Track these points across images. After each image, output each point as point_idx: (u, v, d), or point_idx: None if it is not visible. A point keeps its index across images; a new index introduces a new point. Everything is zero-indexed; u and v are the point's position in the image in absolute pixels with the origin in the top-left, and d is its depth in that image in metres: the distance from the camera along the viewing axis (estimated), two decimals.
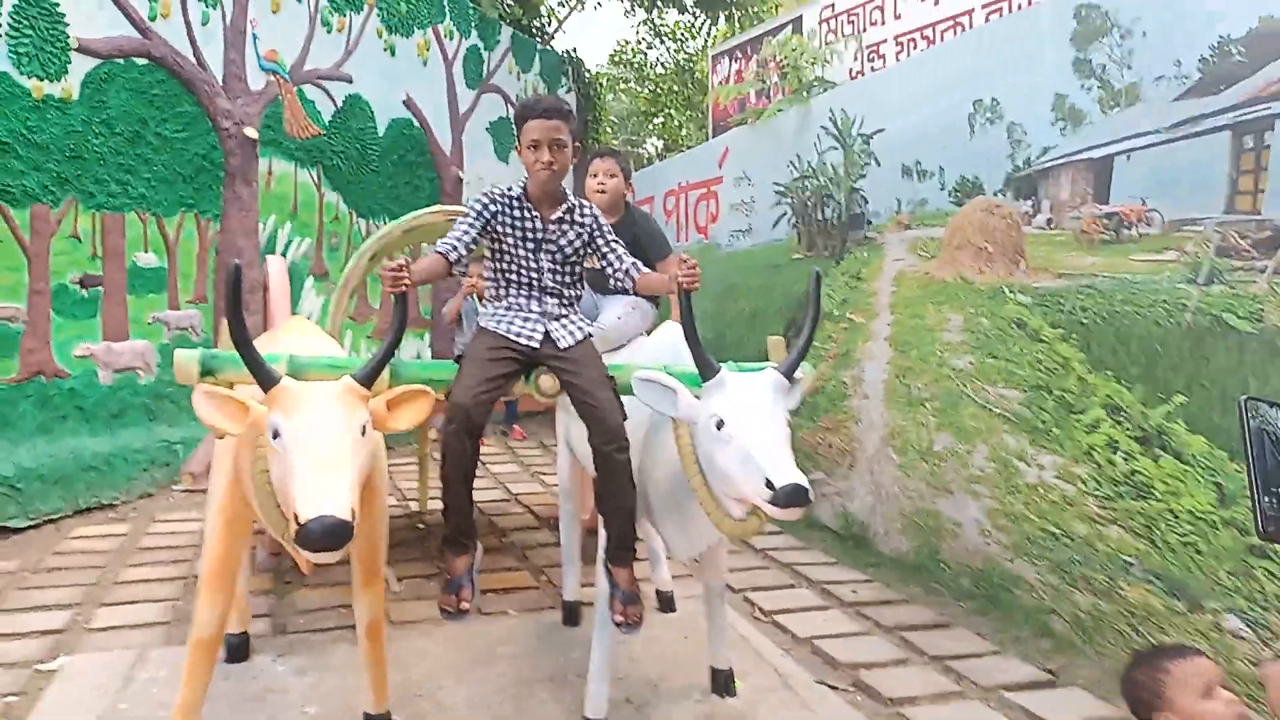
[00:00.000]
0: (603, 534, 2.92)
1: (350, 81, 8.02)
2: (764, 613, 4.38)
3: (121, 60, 6.10)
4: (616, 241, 3.14)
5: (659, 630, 4.09)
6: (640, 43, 17.34)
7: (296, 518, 2.01)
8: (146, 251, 6.44)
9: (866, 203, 5.73)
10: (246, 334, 2.28)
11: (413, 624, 4.13)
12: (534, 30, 11.60)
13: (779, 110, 6.47)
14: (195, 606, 2.70)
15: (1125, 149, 3.84)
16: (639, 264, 3.13)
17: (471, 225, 2.97)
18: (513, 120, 3.13)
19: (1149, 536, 3.69)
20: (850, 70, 7.01)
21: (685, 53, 16.77)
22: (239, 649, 3.68)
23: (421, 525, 5.84)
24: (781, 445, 2.41)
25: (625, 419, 2.79)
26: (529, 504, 6.38)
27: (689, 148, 15.43)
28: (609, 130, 12.61)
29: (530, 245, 3.01)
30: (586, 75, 11.40)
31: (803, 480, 2.30)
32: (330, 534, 1.98)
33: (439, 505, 6.26)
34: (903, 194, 5.34)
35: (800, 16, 7.80)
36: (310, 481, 2.07)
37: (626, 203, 4.32)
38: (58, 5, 5.68)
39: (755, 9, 10.43)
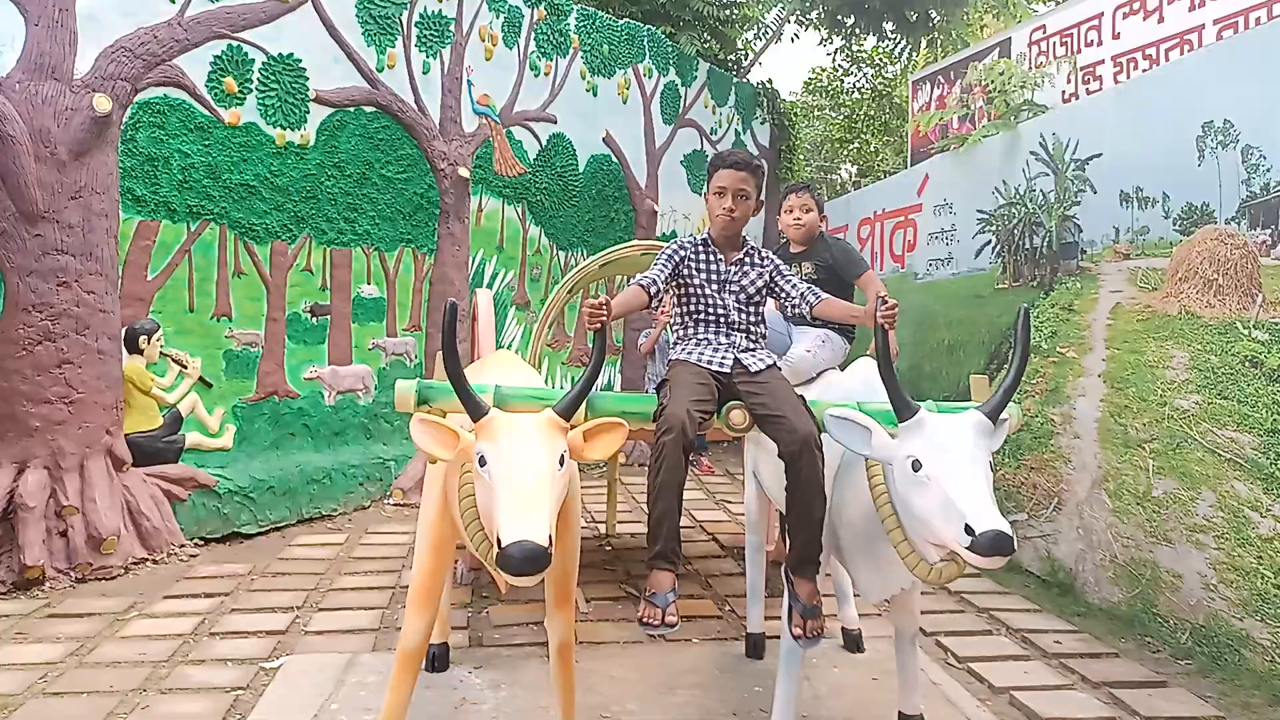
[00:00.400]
0: (788, 546, 2.88)
1: (554, 121, 8.39)
2: (958, 659, 4.17)
3: (352, 108, 6.67)
4: (793, 276, 3.29)
5: (845, 671, 3.99)
6: (836, 69, 17.17)
7: (499, 542, 2.11)
8: (369, 283, 6.98)
9: (1080, 231, 5.40)
10: (459, 368, 2.43)
11: (600, 645, 4.22)
12: (730, 64, 11.73)
13: (984, 136, 6.22)
14: (403, 619, 2.87)
15: None
16: (815, 289, 3.24)
17: (665, 264, 3.20)
18: (707, 163, 3.30)
19: None
20: (1063, 93, 6.66)
21: (883, 78, 16.47)
22: (440, 659, 3.89)
23: (610, 548, 5.96)
24: (983, 489, 2.31)
25: (821, 431, 2.77)
26: (714, 532, 6.39)
27: (885, 174, 15.10)
28: (802, 158, 12.52)
29: (715, 285, 3.21)
30: (781, 105, 11.39)
31: (1006, 527, 2.20)
32: (529, 559, 2.07)
33: (627, 529, 6.41)
34: (1121, 222, 5.00)
35: (1009, 39, 7.49)
36: (512, 508, 2.17)
37: (821, 232, 4.54)
38: (300, 61, 6.29)
39: (958, 33, 10.10)
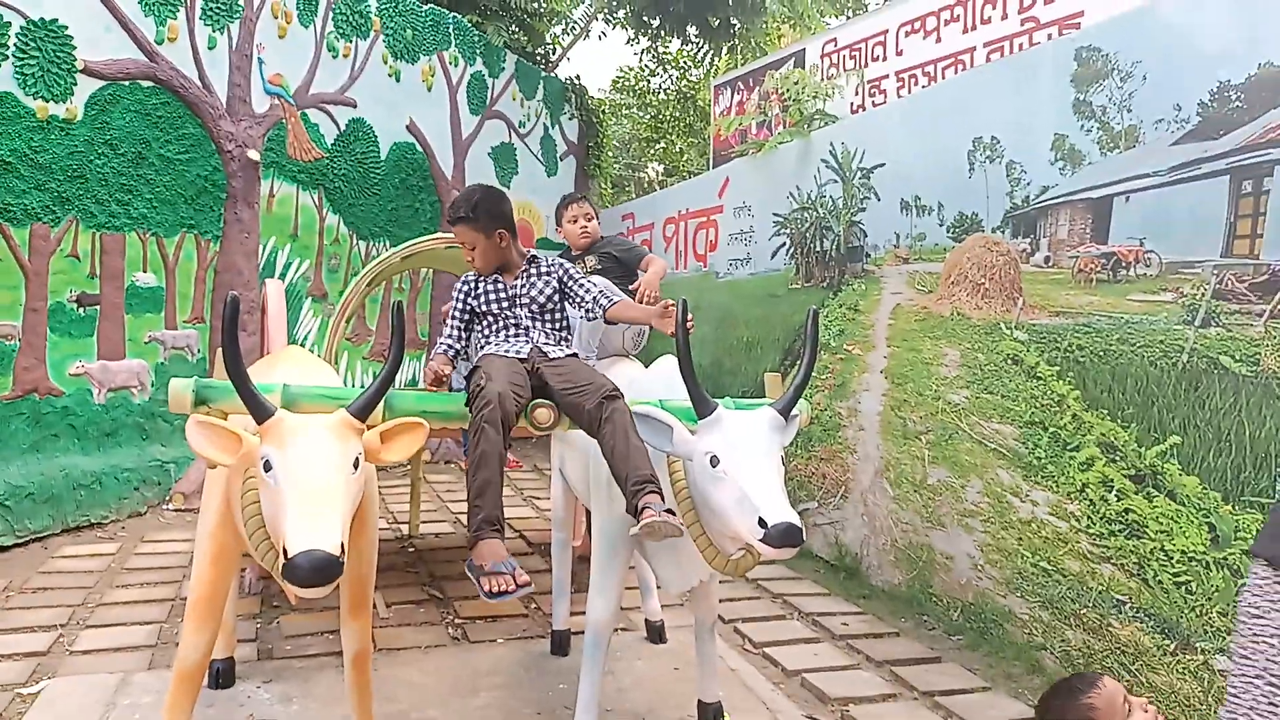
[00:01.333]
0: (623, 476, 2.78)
1: (354, 106, 8.06)
2: (754, 645, 4.35)
3: (126, 82, 6.13)
4: (585, 279, 3.33)
5: (648, 662, 4.07)
6: (643, 69, 17.48)
7: (285, 552, 1.99)
8: (145, 271, 6.45)
9: (865, 236, 5.75)
10: (242, 366, 2.28)
11: (399, 651, 4.10)
12: (538, 58, 11.68)
13: (780, 142, 6.50)
14: (181, 634, 2.67)
15: (1124, 190, 3.86)
16: (607, 293, 3.30)
17: (459, 318, 3.26)
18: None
19: (1141, 575, 3.67)
20: (851, 105, 7.06)
21: (687, 80, 16.90)
22: (224, 675, 3.65)
23: (412, 549, 5.81)
24: (775, 484, 2.40)
25: (621, 393, 2.80)
26: (521, 529, 6.35)
27: (690, 173, 15.52)
28: (610, 155, 12.66)
29: (505, 303, 3.23)
30: (589, 102, 11.46)
31: (795, 519, 2.29)
32: (318, 569, 1.96)
33: (431, 529, 6.26)
34: (901, 228, 5.36)
35: (803, 50, 7.86)
36: (300, 516, 2.05)
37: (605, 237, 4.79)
38: (65, 28, 5.72)
39: (758, 41, 10.50)
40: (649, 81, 17.72)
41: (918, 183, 5.21)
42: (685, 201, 8.62)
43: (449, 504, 7.13)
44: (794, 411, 2.70)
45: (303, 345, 7.78)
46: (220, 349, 2.33)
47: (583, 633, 3.84)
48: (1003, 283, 4.54)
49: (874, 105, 7.04)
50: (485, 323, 3.25)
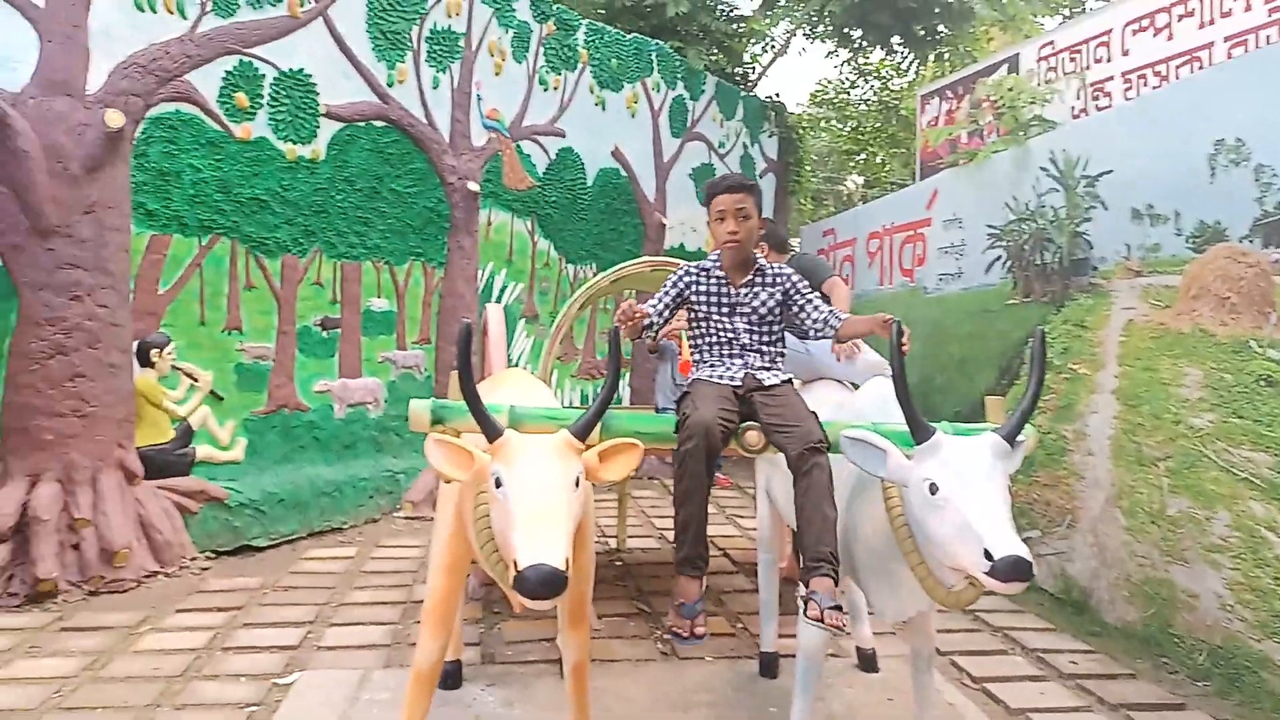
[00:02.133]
0: (801, 553, 2.81)
1: (563, 135, 8.42)
2: (973, 679, 4.15)
3: (362, 123, 6.70)
4: (814, 295, 3.23)
5: (860, 691, 3.97)
6: (843, 81, 17.22)
7: (515, 564, 2.11)
8: (379, 297, 7.00)
9: (1091, 247, 5.39)
10: (474, 388, 2.44)
11: (612, 663, 4.21)
12: (737, 78, 11.76)
13: (994, 152, 6.22)
14: (418, 638, 2.87)
15: None
16: (838, 312, 3.18)
17: (667, 293, 3.21)
18: (703, 199, 3.26)
19: None
20: (1072, 109, 6.66)
21: (889, 90, 16.50)
22: (452, 676, 3.88)
23: (620, 563, 5.95)
24: (1002, 513, 2.30)
25: (828, 445, 2.76)
26: (725, 547, 6.37)
27: (892, 185, 15.12)
28: (809, 170, 12.54)
29: (725, 310, 3.18)
30: (788, 118, 11.42)
31: (1025, 552, 2.18)
32: (546, 582, 2.06)
33: (638, 544, 6.39)
34: (1132, 239, 4.99)
35: (1017, 55, 7.50)
36: (529, 531, 2.17)
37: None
38: (310, 76, 6.32)
39: (966, 47, 10.11)
40: (849, 93, 17.44)
41: (1150, 190, 4.84)
42: (890, 215, 8.41)
43: (653, 519, 7.26)
44: (1020, 437, 2.58)
45: (516, 364, 8.19)
46: (454, 371, 2.50)
47: (791, 656, 3.81)
48: (1252, 296, 4.14)
49: (1098, 109, 6.60)
50: (700, 328, 3.21)
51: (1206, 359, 4.39)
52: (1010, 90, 6.35)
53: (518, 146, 7.99)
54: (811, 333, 3.19)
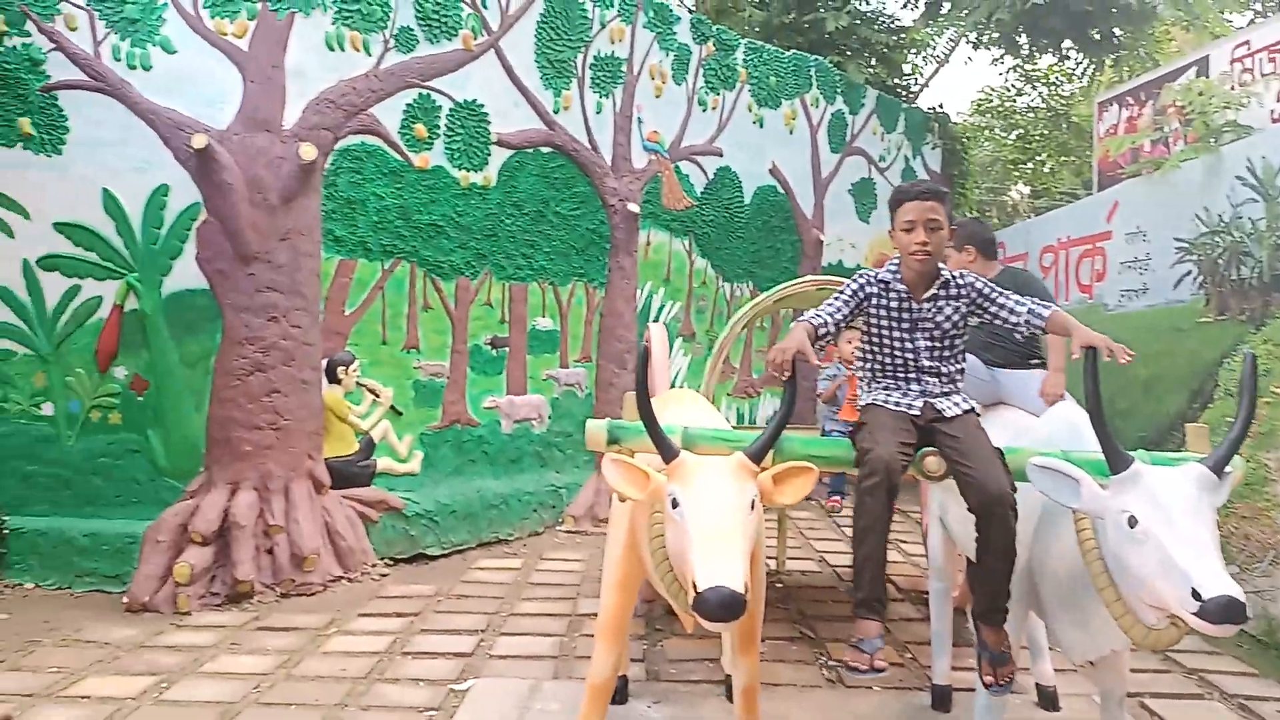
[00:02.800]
0: (974, 595, 2.75)
1: (720, 155, 8.47)
2: None
3: (530, 150, 6.95)
4: (1003, 293, 3.04)
5: None
6: (1008, 89, 16.55)
7: (695, 586, 2.13)
8: (544, 316, 7.22)
9: None
10: (651, 410, 2.48)
11: (776, 687, 4.16)
12: (898, 90, 11.52)
13: (1184, 160, 5.83)
14: (593, 652, 2.93)
15: None
16: (1041, 303, 2.98)
17: (845, 303, 3.04)
18: (889, 203, 3.13)
19: None
20: (1272, 113, 6.16)
21: (1059, 96, 15.74)
22: (619, 691, 3.91)
23: (780, 584, 5.89)
24: (1211, 550, 2.15)
25: (1014, 489, 2.64)
26: (890, 574, 6.19)
27: (1062, 195, 14.39)
28: (974, 181, 12.12)
29: (905, 327, 3.03)
30: (952, 129, 11.09)
31: (1239, 592, 2.03)
32: (725, 605, 2.07)
33: (797, 566, 6.30)
34: None
35: (1206, 57, 7.01)
36: (707, 553, 2.18)
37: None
38: (483, 106, 6.61)
39: (1147, 50, 9.52)
40: (1015, 101, 16.75)
41: None
42: (1065, 228, 8.02)
43: (812, 541, 7.15)
44: (1227, 469, 2.41)
45: (674, 384, 8.26)
46: (629, 393, 2.55)
47: (966, 690, 3.68)
48: None
49: None
50: (876, 345, 3.06)
51: None
52: (1200, 95, 5.94)
53: (676, 167, 8.08)
54: (1018, 335, 3.04)
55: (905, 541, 7.11)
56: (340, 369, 6.02)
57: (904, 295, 3.02)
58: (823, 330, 2.92)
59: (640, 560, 2.88)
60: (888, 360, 3.07)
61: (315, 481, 5.77)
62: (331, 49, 5.83)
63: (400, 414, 6.36)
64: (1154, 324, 6.41)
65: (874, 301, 3.04)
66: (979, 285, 3.05)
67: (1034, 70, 15.40)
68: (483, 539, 6.71)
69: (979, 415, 3.04)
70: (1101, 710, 3.07)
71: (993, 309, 3.00)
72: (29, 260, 5.52)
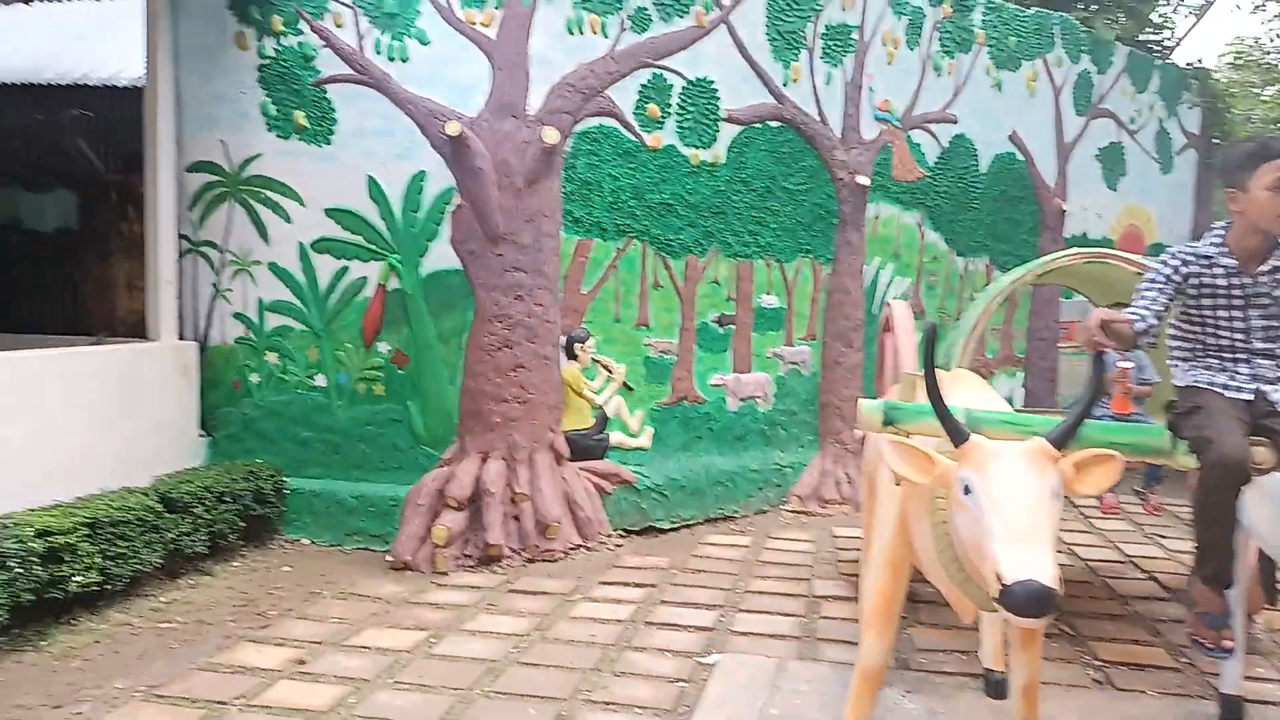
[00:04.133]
0: None
1: (954, 122, 8.06)
2: None
3: (759, 125, 6.87)
4: None
5: None
6: (1273, 38, 14.77)
7: (1000, 578, 2.02)
8: (769, 294, 7.16)
9: None
10: (939, 390, 2.38)
11: (1040, 685, 3.94)
12: (1147, 45, 10.55)
13: None
14: (862, 639, 2.87)
15: None
16: None
17: (1162, 291, 2.78)
18: (1235, 160, 2.75)
19: None
20: None
21: None
22: None
23: None
24: None
25: None
26: (1150, 569, 5.74)
27: None
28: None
29: (1238, 304, 2.75)
30: (1213, 86, 10.05)
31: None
32: (1036, 600, 1.96)
33: (1061, 558, 5.91)
34: None
35: None
36: (1012, 543, 2.07)
37: None
38: (713, 83, 6.60)
39: None
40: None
41: None
42: None
43: (1061, 533, 6.73)
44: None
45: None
46: (923, 374, 2.44)
47: (1264, 702, 3.38)
48: None
49: None
50: (1199, 324, 2.82)
51: None
52: None
53: (908, 136, 7.77)
54: None
55: (1164, 537, 6.56)
56: (577, 345, 6.21)
57: (1233, 270, 2.74)
58: (1140, 326, 2.68)
59: (910, 545, 2.79)
60: (1212, 341, 2.79)
61: (555, 453, 6.00)
62: (571, 33, 5.99)
63: (632, 390, 6.50)
64: None
65: (1195, 279, 2.78)
66: None
67: None
68: (710, 515, 6.76)
69: None
70: None
71: None
72: (304, 244, 6.02)
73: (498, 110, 5.80)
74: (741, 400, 7.08)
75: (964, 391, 2.98)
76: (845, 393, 7.46)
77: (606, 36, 6.14)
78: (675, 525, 6.56)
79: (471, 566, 5.55)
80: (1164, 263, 2.84)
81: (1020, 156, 8.54)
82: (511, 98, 5.83)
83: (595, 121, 6.14)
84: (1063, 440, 2.31)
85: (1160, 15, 11.43)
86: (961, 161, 8.14)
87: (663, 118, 6.40)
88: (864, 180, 7.37)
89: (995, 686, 3.81)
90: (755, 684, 3.87)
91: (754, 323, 7.12)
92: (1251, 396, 2.66)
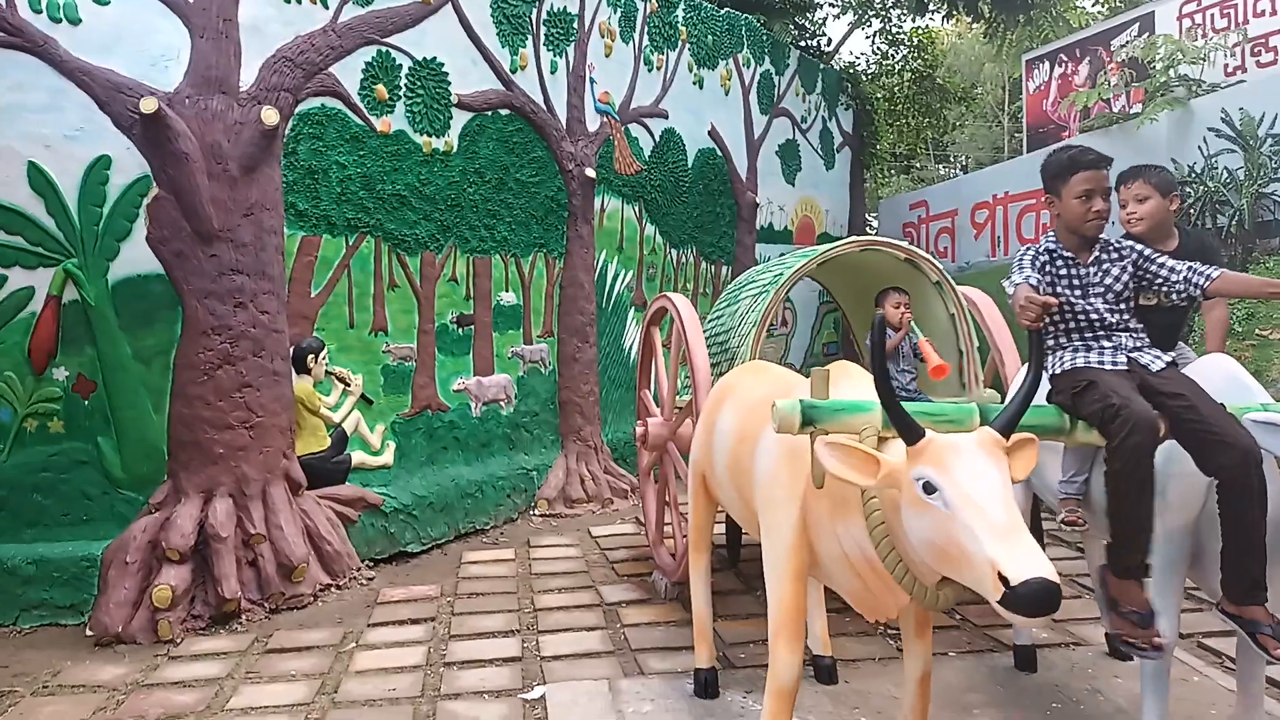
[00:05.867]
0: (1235, 569, 2.60)
1: (666, 116, 8.20)
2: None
3: (489, 112, 6.48)
4: (1162, 256, 2.98)
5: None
6: (876, 51, 16.77)
7: (1006, 580, 1.92)
8: (507, 290, 6.80)
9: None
10: (892, 388, 2.25)
11: (855, 663, 4.05)
12: (814, 51, 11.53)
13: (1161, 110, 5.98)
14: (774, 655, 2.69)
15: None
16: (1198, 267, 2.87)
17: (1034, 263, 2.95)
18: (1051, 170, 3.02)
19: None
20: (1226, 67, 6.42)
21: (922, 59, 15.95)
22: (710, 685, 3.72)
23: None
24: None
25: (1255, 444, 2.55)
26: None
27: (927, 151, 14.75)
28: (888, 143, 12.32)
29: (1078, 291, 2.97)
30: (864, 89, 11.21)
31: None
32: (1048, 598, 1.88)
33: None
34: None
35: (1151, 13, 7.25)
36: (1004, 541, 1.98)
37: (1178, 225, 3.68)
38: (442, 65, 6.10)
39: (1060, 8, 9.83)
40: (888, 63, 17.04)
41: None
42: (1001, 185, 8.23)
43: None
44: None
45: (628, 356, 8.01)
46: (874, 370, 2.27)
47: (1045, 646, 3.69)
48: None
49: (1259, 66, 6.38)
50: (1058, 313, 2.97)
51: None
52: (1161, 49, 6.12)
53: (626, 130, 7.77)
54: (1175, 297, 2.97)
55: None
56: (309, 357, 5.46)
57: (1071, 261, 2.98)
58: (1049, 295, 2.85)
59: (812, 548, 2.66)
60: (1072, 325, 2.99)
61: (292, 483, 5.22)
62: (287, 1, 5.20)
63: (371, 403, 5.85)
64: None
65: (1050, 271, 2.99)
66: (1138, 247, 3.01)
67: (899, 33, 15.50)
68: (460, 530, 6.31)
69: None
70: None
71: (1153, 268, 2.94)
72: None
73: (201, 85, 4.90)
74: (485, 404, 6.66)
75: (849, 385, 2.87)
76: (584, 389, 7.32)
77: (327, 7, 5.43)
78: (426, 546, 6.03)
79: (204, 629, 4.64)
80: (1025, 253, 3.02)
81: (719, 152, 8.90)
82: (219, 71, 4.94)
83: (318, 102, 5.40)
84: (1009, 428, 2.28)
85: (815, 22, 12.49)
86: (672, 155, 8.31)
87: (391, 101, 5.80)
88: (591, 172, 7.24)
89: (825, 672, 3.85)
90: (597, 712, 3.58)
91: (493, 322, 6.72)
92: (1126, 365, 2.85)
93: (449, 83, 6.15)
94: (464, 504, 6.33)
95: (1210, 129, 5.68)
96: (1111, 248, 3.00)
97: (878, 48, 16.69)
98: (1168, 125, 6.01)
